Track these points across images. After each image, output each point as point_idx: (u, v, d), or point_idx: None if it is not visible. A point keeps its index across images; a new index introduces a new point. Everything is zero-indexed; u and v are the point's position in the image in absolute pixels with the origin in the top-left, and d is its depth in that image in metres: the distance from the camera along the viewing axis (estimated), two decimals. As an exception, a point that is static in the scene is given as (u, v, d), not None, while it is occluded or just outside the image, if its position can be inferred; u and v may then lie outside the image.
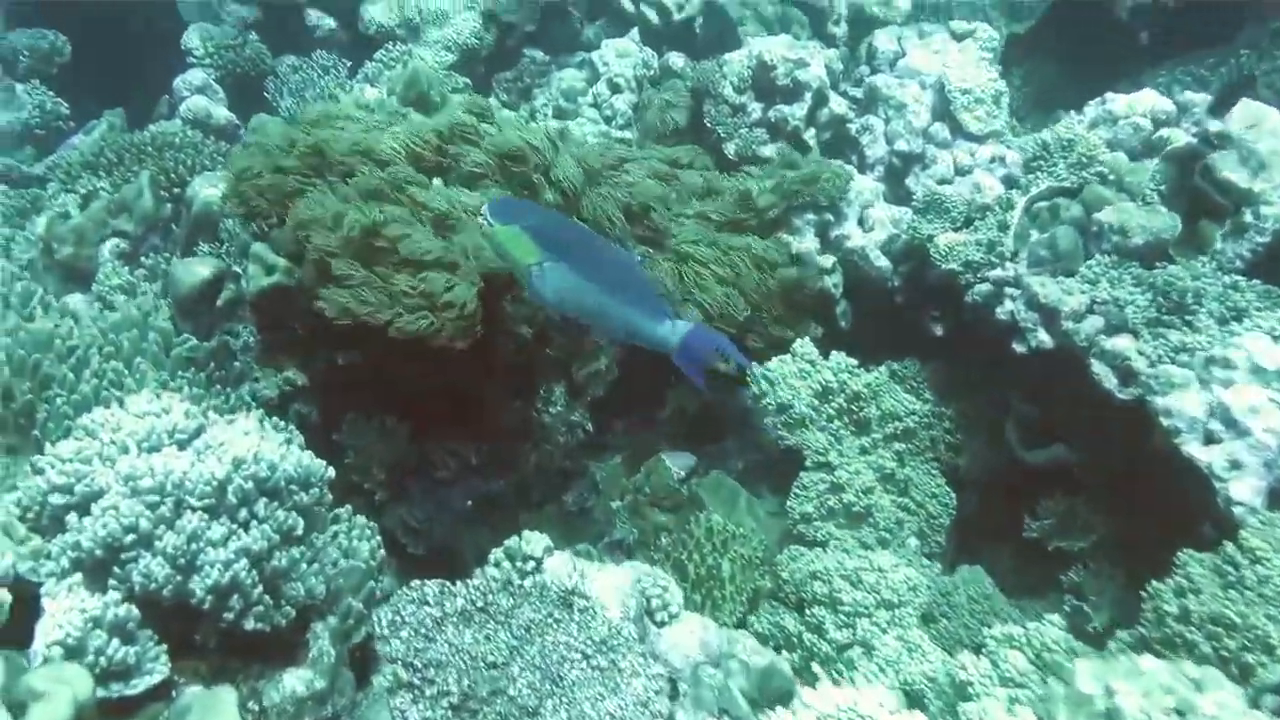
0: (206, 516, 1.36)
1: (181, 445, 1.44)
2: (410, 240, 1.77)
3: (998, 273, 1.95)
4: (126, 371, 1.68)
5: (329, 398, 1.99)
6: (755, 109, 2.47)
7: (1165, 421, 1.70)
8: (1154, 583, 1.57)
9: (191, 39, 3.08)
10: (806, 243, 2.26)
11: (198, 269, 1.82)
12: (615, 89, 2.86)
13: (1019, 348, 1.90)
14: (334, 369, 1.95)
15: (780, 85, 2.45)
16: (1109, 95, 2.16)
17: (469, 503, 2.09)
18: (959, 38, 2.50)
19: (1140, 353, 1.75)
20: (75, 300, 2.35)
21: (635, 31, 3.04)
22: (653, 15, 2.89)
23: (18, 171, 2.91)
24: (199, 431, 1.48)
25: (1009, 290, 1.93)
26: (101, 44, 3.15)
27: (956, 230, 2.10)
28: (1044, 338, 1.87)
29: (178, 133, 2.76)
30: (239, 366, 1.93)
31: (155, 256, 2.42)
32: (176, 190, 2.58)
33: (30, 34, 2.96)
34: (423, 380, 1.96)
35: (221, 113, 2.97)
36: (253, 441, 1.45)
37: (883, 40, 2.54)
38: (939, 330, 2.26)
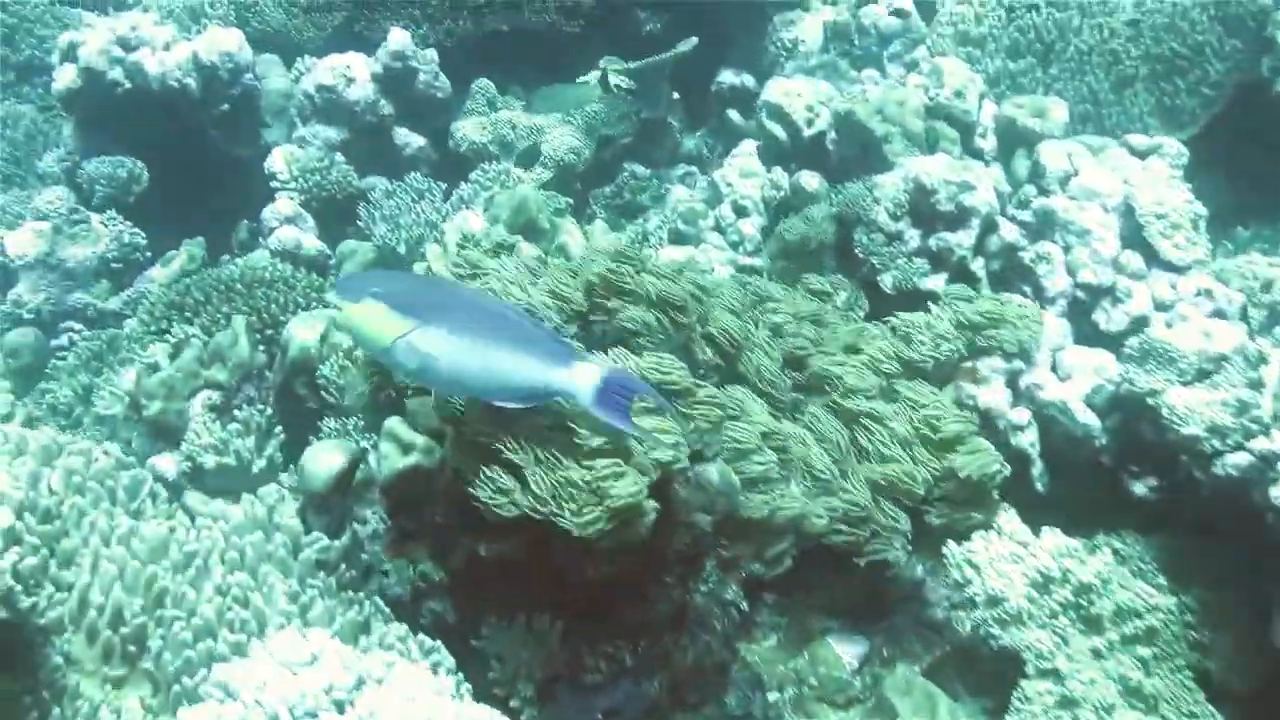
0: (377, 813, 1.07)
1: (340, 707, 1.16)
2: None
3: (1263, 444, 1.65)
4: (253, 584, 1.41)
5: (467, 594, 1.71)
6: (913, 236, 2.22)
7: None
8: None
9: (276, 162, 2.89)
10: (995, 394, 1.98)
11: (331, 459, 1.56)
12: (741, 212, 2.62)
13: (1310, 541, 1.59)
14: (475, 561, 1.67)
15: (942, 211, 2.20)
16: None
17: (622, 711, 1.79)
18: (1141, 154, 2.25)
19: None
20: (162, 462, 2.11)
21: (750, 145, 2.81)
22: (779, 130, 2.66)
23: (93, 309, 2.70)
24: (359, 685, 1.19)
25: (1284, 467, 1.63)
26: (177, 168, 2.97)
27: (1186, 384, 1.81)
28: (1346, 533, 1.56)
29: (267, 266, 2.55)
30: (366, 559, 1.65)
31: (249, 409, 2.18)
32: (269, 332, 2.36)
33: (109, 162, 2.77)
34: (577, 574, 1.68)
35: (312, 243, 2.76)
36: (424, 708, 1.16)
37: (1051, 156, 2.28)
38: (1141, 490, 1.96)
